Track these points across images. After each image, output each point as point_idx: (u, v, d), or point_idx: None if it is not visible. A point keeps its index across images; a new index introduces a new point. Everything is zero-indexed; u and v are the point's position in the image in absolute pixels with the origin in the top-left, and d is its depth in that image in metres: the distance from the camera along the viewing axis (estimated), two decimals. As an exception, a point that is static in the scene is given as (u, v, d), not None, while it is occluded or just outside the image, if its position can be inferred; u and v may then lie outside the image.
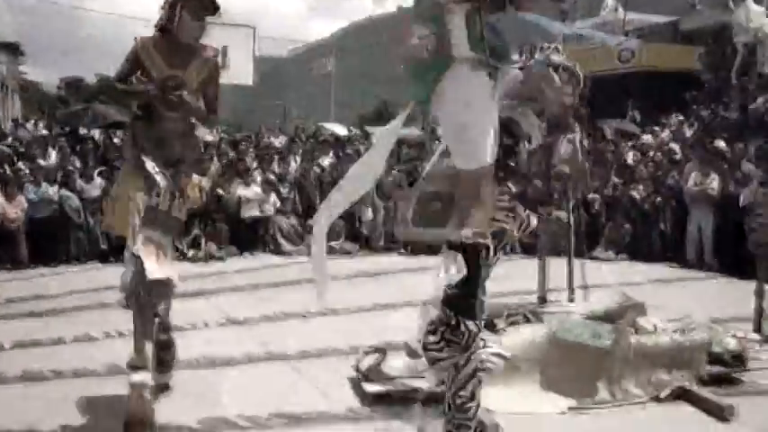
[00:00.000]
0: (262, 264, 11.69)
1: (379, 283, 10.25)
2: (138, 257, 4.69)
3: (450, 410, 3.65)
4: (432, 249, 12.02)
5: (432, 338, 3.55)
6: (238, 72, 20.51)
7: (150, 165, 4.90)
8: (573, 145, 6.33)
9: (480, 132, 3.20)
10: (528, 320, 5.51)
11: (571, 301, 6.92)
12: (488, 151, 3.23)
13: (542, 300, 6.92)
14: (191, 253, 11.80)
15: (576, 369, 5.18)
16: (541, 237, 7.44)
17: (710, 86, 21.40)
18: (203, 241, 12.07)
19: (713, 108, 19.38)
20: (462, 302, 3.38)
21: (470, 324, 3.45)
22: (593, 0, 38.07)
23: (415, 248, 12.57)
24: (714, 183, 11.10)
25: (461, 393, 3.57)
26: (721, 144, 12.59)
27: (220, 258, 11.91)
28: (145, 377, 4.68)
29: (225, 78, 20.20)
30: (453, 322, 3.44)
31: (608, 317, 5.97)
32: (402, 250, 12.88)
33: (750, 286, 9.90)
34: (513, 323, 5.44)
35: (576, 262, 7.38)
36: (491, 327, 5.45)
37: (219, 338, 7.05)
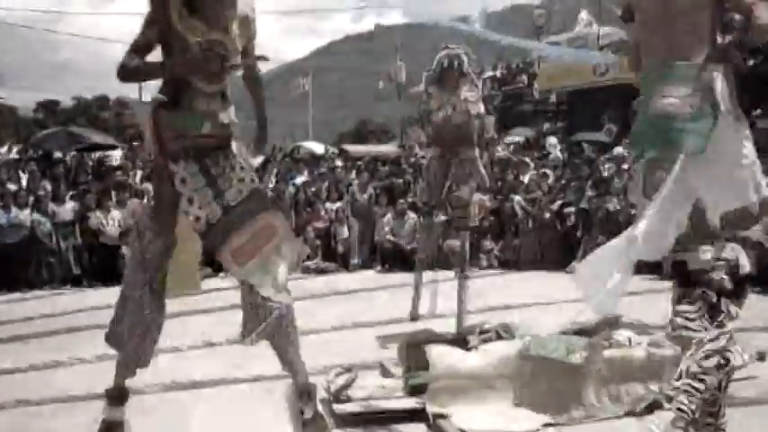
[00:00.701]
0: (236, 284, 11.51)
1: (354, 301, 10.15)
2: None
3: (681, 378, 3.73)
4: (408, 266, 11.99)
5: (688, 308, 3.68)
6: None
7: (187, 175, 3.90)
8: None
9: (750, 173, 3.61)
10: (500, 337, 5.44)
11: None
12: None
13: (413, 319, 6.99)
14: (164, 275, 11.63)
15: (549, 385, 5.10)
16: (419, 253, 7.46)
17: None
18: (177, 262, 11.91)
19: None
20: (734, 287, 3.67)
21: (732, 308, 3.68)
22: (568, 15, 38.43)
23: (392, 265, 12.52)
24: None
25: (703, 365, 3.65)
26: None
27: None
28: (121, 413, 4.45)
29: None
30: (714, 300, 3.65)
31: (583, 331, 5.93)
32: (379, 268, 12.82)
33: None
34: (485, 340, 5.37)
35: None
36: (462, 344, 5.39)
37: (192, 361, 6.93)
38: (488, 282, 10.98)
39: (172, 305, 9.28)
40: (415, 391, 5.20)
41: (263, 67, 4.67)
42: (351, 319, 8.54)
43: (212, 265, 12.22)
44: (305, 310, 9.28)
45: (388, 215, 12.85)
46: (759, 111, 16.80)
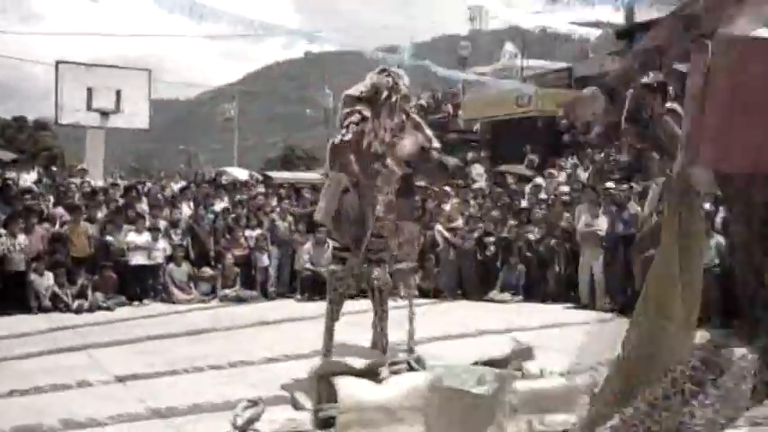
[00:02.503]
0: (151, 313, 11.24)
1: (274, 331, 9.94)
2: None
3: None
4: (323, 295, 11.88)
5: None
6: (134, 116, 20.04)
7: None
8: None
9: None
10: (412, 368, 5.35)
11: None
12: None
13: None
14: (76, 304, 11.25)
15: (459, 417, 5.03)
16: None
17: (603, 130, 22.13)
18: (90, 291, 11.54)
19: (605, 151, 20.05)
20: None
21: None
22: (493, 47, 39.18)
23: (312, 294, 12.36)
24: (603, 223, 11.33)
25: None
26: (610, 185, 12.92)
27: (108, 308, 11.40)
28: None
29: (119, 122, 19.83)
30: None
31: (494, 362, 5.90)
32: (299, 296, 12.65)
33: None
34: (395, 372, 5.27)
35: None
36: (374, 376, 5.28)
37: (98, 396, 6.62)
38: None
39: (79, 337, 9.06)
40: (324, 424, 5.07)
41: (191, 93, 4.63)
42: (269, 351, 8.34)
43: (126, 293, 11.90)
44: (223, 341, 9.16)
45: (308, 243, 12.70)
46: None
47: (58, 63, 19.57)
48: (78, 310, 11.15)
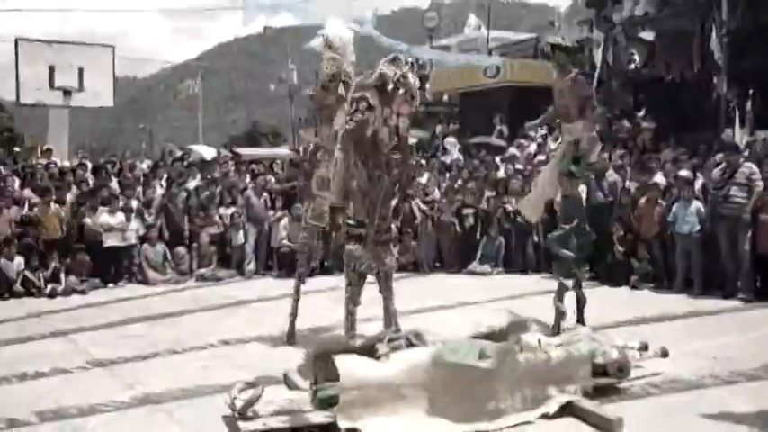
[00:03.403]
0: (127, 295, 11.00)
1: (253, 310, 9.78)
2: None
3: None
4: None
5: None
6: (98, 94, 19.53)
7: None
8: None
9: None
10: (411, 344, 5.25)
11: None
12: None
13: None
14: (49, 288, 10.96)
15: (462, 392, 4.96)
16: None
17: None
18: (63, 274, 11.26)
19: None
20: None
21: None
22: (457, 18, 39.02)
23: (289, 271, 12.21)
24: (582, 193, 11.27)
25: None
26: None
27: (82, 292, 11.11)
28: None
29: (83, 100, 19.31)
30: None
31: (492, 335, 5.84)
32: (276, 273, 12.49)
33: (621, 293, 10.22)
34: (395, 348, 5.17)
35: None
36: (371, 352, 5.18)
37: (81, 383, 6.44)
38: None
39: (54, 322, 8.83)
40: (324, 404, 4.96)
41: (148, 70, 4.48)
42: (252, 331, 8.19)
43: (101, 275, 11.65)
44: (202, 322, 8.98)
45: (285, 219, 12.52)
46: (643, 113, 17.38)
47: (17, 40, 18.95)
48: (52, 295, 10.86)
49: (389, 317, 6.36)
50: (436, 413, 4.89)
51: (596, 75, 18.39)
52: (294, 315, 7.62)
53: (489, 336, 5.86)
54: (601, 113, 18.23)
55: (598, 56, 18.48)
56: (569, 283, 7.30)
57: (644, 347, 6.23)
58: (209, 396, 5.87)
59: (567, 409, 5.14)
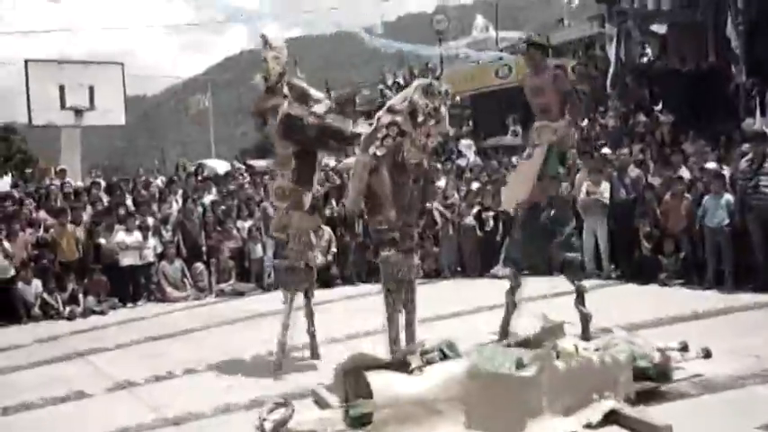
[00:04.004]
0: (146, 314, 10.85)
1: (274, 324, 9.56)
2: None
3: None
4: (326, 283, 11.55)
5: None
6: (109, 112, 19.42)
7: None
8: None
9: None
10: (445, 356, 5.03)
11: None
12: None
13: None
14: (68, 310, 10.84)
15: (501, 403, 4.73)
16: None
17: (587, 97, 21.94)
18: (81, 295, 11.12)
19: (591, 117, 19.84)
20: None
21: None
22: (464, 20, 38.81)
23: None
24: (606, 191, 11.06)
25: None
26: (607, 151, 12.68)
27: (101, 312, 11.00)
28: None
29: (94, 119, 19.17)
30: None
31: (526, 342, 5.62)
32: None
33: (648, 290, 9.96)
34: (428, 361, 4.95)
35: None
36: (403, 366, 4.96)
37: (104, 406, 6.28)
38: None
39: (73, 344, 8.68)
40: (356, 422, 4.77)
41: (157, 87, 4.34)
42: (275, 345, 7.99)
43: (119, 295, 11.50)
44: (224, 338, 8.80)
45: None
46: (660, 106, 17.12)
47: (27, 61, 18.87)
48: (71, 317, 10.75)
49: (412, 332, 6.12)
50: (474, 427, 4.67)
51: (611, 70, 18.16)
52: (283, 343, 7.02)
53: (524, 343, 5.65)
54: (617, 108, 18.10)
55: (611, 51, 18.23)
56: (586, 284, 7.23)
57: (684, 348, 5.99)
58: (235, 414, 5.70)
59: (611, 417, 4.89)
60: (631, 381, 5.23)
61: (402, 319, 6.06)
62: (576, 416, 4.90)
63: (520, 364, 4.92)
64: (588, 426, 4.84)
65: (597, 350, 5.46)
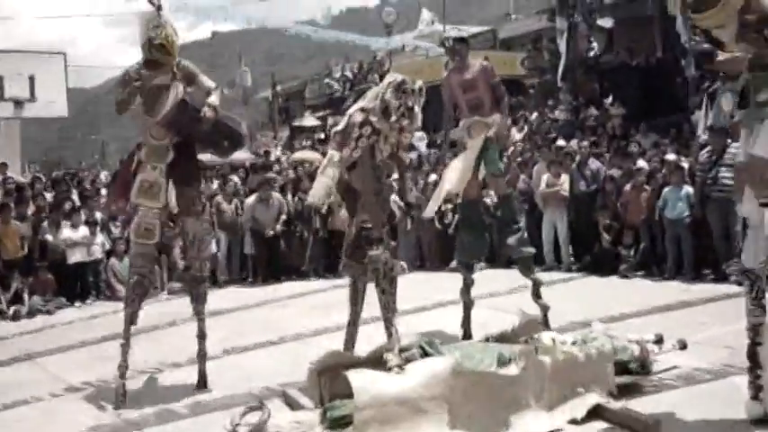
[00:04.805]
0: (96, 313, 10.42)
1: (233, 320, 9.30)
2: None
3: None
4: (276, 276, 11.35)
5: None
6: (51, 103, 18.69)
7: None
8: None
9: None
10: (425, 353, 4.84)
11: None
12: None
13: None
14: (12, 310, 10.35)
15: (485, 401, 4.57)
16: None
17: (536, 90, 22.02)
18: (26, 295, 10.63)
19: (541, 111, 19.93)
20: None
21: None
22: (410, 14, 38.71)
23: (264, 277, 11.83)
24: (566, 183, 11.02)
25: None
26: (566, 143, 12.67)
27: (48, 312, 10.54)
28: None
29: (36, 111, 18.38)
30: None
31: (505, 337, 5.50)
32: (251, 279, 12.05)
33: (609, 282, 9.96)
34: (408, 359, 4.76)
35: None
36: (379, 364, 4.75)
37: (56, 412, 5.93)
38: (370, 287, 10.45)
39: (20, 345, 8.26)
40: (335, 424, 4.55)
41: (95, 80, 3.98)
42: (238, 342, 7.74)
43: (66, 293, 11.05)
44: (182, 337, 8.47)
45: (252, 198, 12.29)
46: (611, 99, 17.27)
47: (-36, 50, 18.09)
48: (15, 317, 10.25)
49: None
50: (458, 426, 4.49)
51: (561, 63, 18.23)
52: (124, 366, 6.01)
53: (501, 338, 5.52)
54: (568, 102, 18.18)
55: (562, 45, 18.30)
56: (541, 276, 7.34)
57: (660, 340, 5.92)
58: (202, 417, 5.43)
59: (595, 413, 4.78)
60: (613, 375, 5.13)
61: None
62: (560, 411, 4.77)
63: (501, 360, 4.78)
64: (573, 421, 4.72)
65: (575, 343, 5.35)
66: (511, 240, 7.05)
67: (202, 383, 6.14)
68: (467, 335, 6.92)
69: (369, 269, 5.23)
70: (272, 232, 11.98)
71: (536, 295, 6.96)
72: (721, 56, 4.45)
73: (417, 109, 5.32)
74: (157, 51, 5.89)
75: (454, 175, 6.86)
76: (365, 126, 5.19)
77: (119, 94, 6.10)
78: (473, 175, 6.88)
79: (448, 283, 10.72)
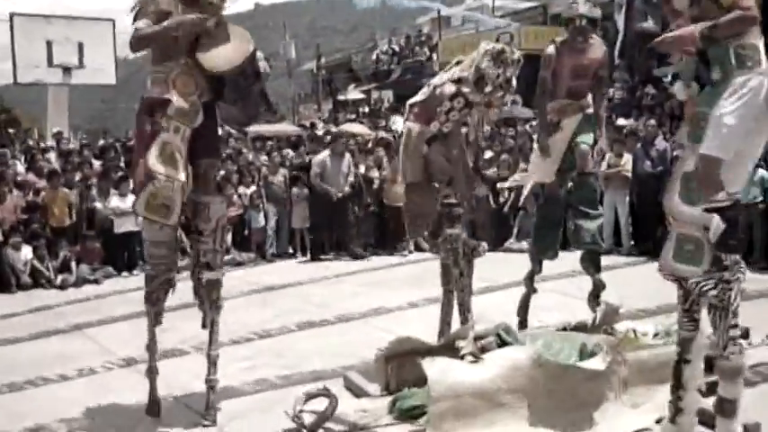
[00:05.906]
0: (142, 285, 10.23)
1: (285, 297, 9.05)
2: None
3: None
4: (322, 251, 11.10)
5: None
6: (99, 70, 18.60)
7: None
8: None
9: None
10: (503, 342, 4.52)
11: None
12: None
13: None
14: (60, 279, 10.23)
15: (568, 396, 4.25)
16: None
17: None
18: (74, 263, 10.50)
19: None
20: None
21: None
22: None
23: (316, 254, 11.56)
24: (628, 163, 10.57)
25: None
26: (629, 122, 12.19)
27: (95, 281, 10.44)
28: None
29: (84, 78, 18.35)
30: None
31: (582, 327, 5.17)
32: (300, 256, 11.82)
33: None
34: (484, 347, 4.44)
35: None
36: (452, 352, 4.43)
37: (110, 386, 5.73)
38: (425, 267, 10.12)
39: (69, 316, 8.14)
40: (405, 415, 4.27)
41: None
42: (290, 320, 7.49)
43: (114, 263, 10.94)
44: (233, 312, 8.27)
45: (323, 154, 11.81)
46: (669, 78, 16.64)
47: (12, 15, 17.99)
48: (63, 286, 10.16)
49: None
50: (539, 422, 4.18)
51: (619, 40, 17.64)
52: (153, 371, 5.17)
53: (578, 327, 5.19)
54: (625, 80, 17.59)
55: (620, 21, 17.69)
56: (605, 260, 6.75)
57: (745, 334, 5.52)
58: (259, 396, 5.25)
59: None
60: (702, 370, 4.76)
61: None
62: (644, 410, 4.43)
63: (584, 352, 4.45)
64: (660, 420, 4.37)
65: (657, 335, 5.00)
66: (588, 225, 6.21)
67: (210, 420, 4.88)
68: (523, 322, 6.39)
69: (444, 248, 4.91)
70: (339, 194, 11.43)
71: (595, 297, 6.17)
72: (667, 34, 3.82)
73: (514, 82, 4.90)
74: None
75: (545, 166, 6.26)
76: (457, 98, 4.81)
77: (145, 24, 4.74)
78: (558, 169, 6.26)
79: (504, 264, 10.43)
